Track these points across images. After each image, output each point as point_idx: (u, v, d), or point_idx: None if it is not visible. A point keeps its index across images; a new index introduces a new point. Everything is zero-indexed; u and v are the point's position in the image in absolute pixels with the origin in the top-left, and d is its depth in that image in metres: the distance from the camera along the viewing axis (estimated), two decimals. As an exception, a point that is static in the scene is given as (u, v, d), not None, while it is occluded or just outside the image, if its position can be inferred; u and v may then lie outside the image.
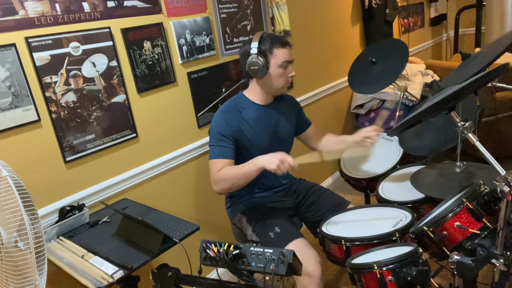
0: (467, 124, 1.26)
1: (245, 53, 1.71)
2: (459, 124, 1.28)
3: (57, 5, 1.56)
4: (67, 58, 1.61)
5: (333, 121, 3.37)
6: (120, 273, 1.26)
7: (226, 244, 1.24)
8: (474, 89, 1.37)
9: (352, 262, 1.32)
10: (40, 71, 1.53)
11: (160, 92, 1.97)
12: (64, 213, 1.60)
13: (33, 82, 1.52)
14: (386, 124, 3.31)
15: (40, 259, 1.06)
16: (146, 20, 1.87)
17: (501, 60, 1.58)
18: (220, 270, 1.31)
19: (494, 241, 1.17)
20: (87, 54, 1.67)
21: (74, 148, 1.66)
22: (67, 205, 1.63)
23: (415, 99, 3.06)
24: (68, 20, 1.60)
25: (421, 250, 1.24)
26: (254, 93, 1.80)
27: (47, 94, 1.56)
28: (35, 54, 1.51)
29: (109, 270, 1.26)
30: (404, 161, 2.07)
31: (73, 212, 1.62)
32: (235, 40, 2.32)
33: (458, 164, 1.61)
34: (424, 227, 1.32)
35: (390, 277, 1.19)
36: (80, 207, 1.65)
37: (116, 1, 1.75)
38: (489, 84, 2.00)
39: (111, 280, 1.23)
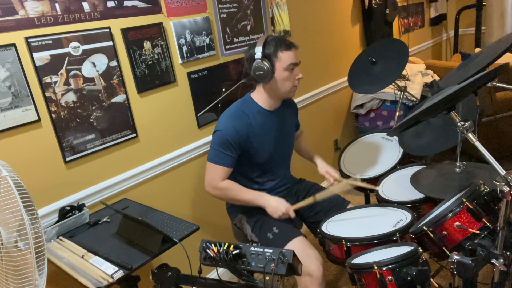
0: (467, 124, 1.26)
1: (250, 58, 1.69)
2: (459, 124, 1.27)
3: (57, 5, 1.56)
4: (67, 58, 1.61)
5: (333, 121, 3.37)
6: (120, 273, 1.26)
7: (226, 244, 1.24)
8: (474, 89, 1.37)
9: (352, 262, 1.32)
10: (40, 71, 1.53)
11: (160, 92, 1.97)
12: (64, 213, 1.60)
13: (33, 82, 1.52)
14: (386, 124, 3.32)
15: (40, 259, 1.06)
16: (146, 20, 1.87)
17: (501, 60, 1.58)
18: (220, 270, 1.31)
19: (494, 241, 1.17)
20: (87, 54, 1.67)
21: (74, 148, 1.66)
22: (67, 205, 1.63)
23: (415, 99, 3.06)
24: (68, 20, 1.60)
25: (421, 250, 1.24)
26: (262, 97, 1.78)
27: (47, 94, 1.56)
28: (35, 54, 1.51)
29: (109, 270, 1.26)
30: (404, 161, 2.07)
31: (73, 212, 1.62)
32: (235, 40, 2.32)
33: (458, 164, 1.61)
34: (424, 227, 1.32)
35: (390, 277, 1.19)
36: (80, 207, 1.65)
37: (116, 1, 1.75)
38: (489, 84, 2.00)
39: (111, 280, 1.23)
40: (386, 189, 1.85)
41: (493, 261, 1.15)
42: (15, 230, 1.06)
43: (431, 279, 1.20)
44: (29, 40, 1.49)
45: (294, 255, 1.17)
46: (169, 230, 1.48)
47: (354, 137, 2.44)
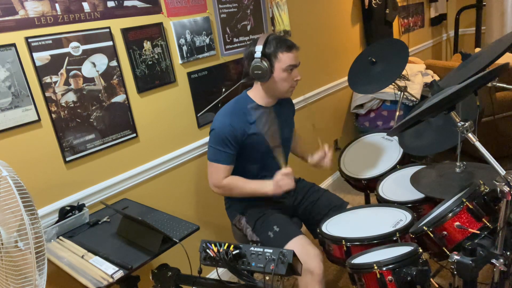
0: (467, 124, 1.26)
1: (250, 55, 1.70)
2: (459, 124, 1.28)
3: (57, 5, 1.56)
4: (67, 58, 1.61)
5: (333, 121, 3.37)
6: (120, 273, 1.26)
7: (226, 244, 1.24)
8: (474, 89, 1.37)
9: (352, 262, 1.32)
10: (40, 71, 1.53)
11: (160, 92, 1.97)
12: (64, 213, 1.60)
13: (33, 82, 1.52)
14: (386, 124, 3.32)
15: (40, 259, 1.06)
16: (146, 20, 1.87)
17: (501, 60, 1.58)
18: (220, 270, 1.32)
19: (494, 241, 1.17)
20: (87, 54, 1.67)
21: (74, 148, 1.66)
22: (67, 205, 1.63)
23: (415, 99, 3.06)
24: (68, 20, 1.60)
25: (421, 250, 1.24)
26: (258, 95, 1.79)
27: (47, 94, 1.56)
28: (35, 54, 1.51)
29: (109, 270, 1.26)
30: (404, 161, 2.07)
31: (73, 212, 1.62)
32: (235, 40, 2.32)
33: (458, 164, 1.61)
34: (424, 227, 1.32)
35: (390, 277, 1.19)
36: (80, 207, 1.65)
37: (116, 1, 1.75)
38: (489, 84, 2.00)
39: (111, 280, 1.23)
40: (386, 189, 1.85)
41: (493, 261, 1.15)
42: (15, 230, 1.06)
43: (431, 279, 1.20)
44: (29, 40, 1.49)
45: (294, 255, 1.17)
46: (169, 230, 1.48)
47: (354, 137, 2.44)
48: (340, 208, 1.82)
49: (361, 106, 3.42)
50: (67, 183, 1.66)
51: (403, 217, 1.54)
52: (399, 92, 2.61)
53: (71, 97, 1.63)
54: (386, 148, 2.19)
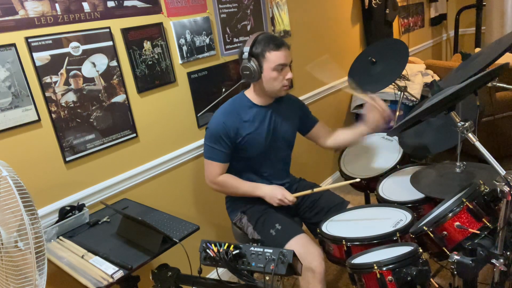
0: (467, 124, 1.26)
1: (240, 56, 1.70)
2: (459, 124, 1.27)
3: (57, 5, 1.56)
4: (67, 58, 1.61)
5: (333, 121, 3.37)
6: (120, 273, 1.26)
7: (226, 244, 1.24)
8: (474, 89, 1.37)
9: (352, 262, 1.32)
10: (40, 71, 1.53)
11: (160, 92, 1.97)
12: (64, 213, 1.60)
13: (33, 82, 1.52)
14: (386, 124, 3.32)
15: (40, 259, 1.06)
16: (146, 20, 1.87)
17: (501, 60, 1.58)
18: (220, 270, 1.32)
19: (494, 241, 1.17)
20: (87, 54, 1.67)
21: (74, 148, 1.66)
22: (67, 205, 1.63)
23: (415, 99, 3.06)
24: (68, 20, 1.60)
25: (421, 250, 1.24)
26: (254, 93, 1.80)
27: (47, 94, 1.56)
28: (35, 54, 1.51)
29: (109, 270, 1.26)
30: (404, 161, 2.07)
31: (73, 212, 1.62)
32: (235, 40, 2.32)
33: (458, 164, 1.61)
34: (424, 227, 1.32)
35: (390, 277, 1.19)
36: (80, 207, 1.65)
37: (116, 1, 1.75)
38: (489, 84, 2.00)
39: (111, 280, 1.23)
40: (386, 189, 1.85)
41: (493, 261, 1.15)
42: (15, 230, 1.06)
43: (431, 279, 1.20)
44: (29, 40, 1.49)
45: (294, 255, 1.17)
46: (169, 230, 1.48)
47: (354, 137, 2.43)
48: (341, 207, 1.82)
49: (361, 106, 3.42)
50: (67, 183, 1.66)
51: (403, 217, 1.54)
52: (399, 92, 2.61)
53: (71, 97, 1.63)
54: (386, 148, 2.19)
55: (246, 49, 1.65)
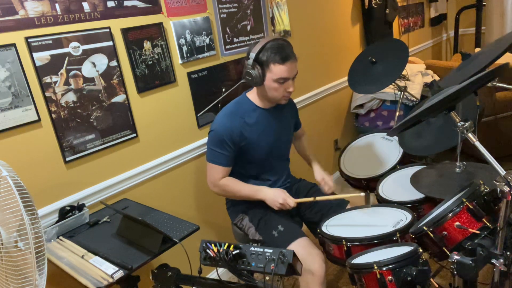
0: (467, 124, 1.26)
1: (247, 58, 1.68)
2: (459, 124, 1.28)
3: (57, 5, 1.56)
4: (67, 58, 1.61)
5: (333, 121, 3.37)
6: (120, 273, 1.26)
7: (226, 244, 1.24)
8: (474, 89, 1.37)
9: (352, 262, 1.32)
10: (40, 71, 1.53)
11: (160, 92, 1.97)
12: (64, 213, 1.60)
13: (33, 82, 1.52)
14: (386, 124, 3.32)
15: (40, 259, 1.06)
16: (146, 20, 1.87)
17: (501, 60, 1.58)
18: (220, 270, 1.32)
19: (494, 241, 1.17)
20: (87, 54, 1.67)
21: (74, 148, 1.66)
22: (67, 205, 1.63)
23: (415, 99, 3.06)
24: (68, 20, 1.60)
25: (421, 250, 1.24)
26: (256, 96, 1.79)
27: (47, 94, 1.56)
28: (35, 54, 1.51)
29: (109, 270, 1.26)
30: (404, 161, 2.07)
31: (73, 212, 1.62)
32: (235, 40, 2.32)
33: (458, 164, 1.61)
34: (424, 227, 1.32)
35: (390, 277, 1.19)
36: (80, 207, 1.65)
37: (116, 1, 1.75)
38: (489, 84, 2.00)
39: (111, 280, 1.23)
40: (386, 189, 1.85)
41: (493, 261, 1.15)
42: (15, 230, 1.06)
43: (431, 279, 1.20)
44: (29, 40, 1.49)
45: (294, 255, 1.17)
46: (169, 230, 1.48)
47: (354, 137, 2.44)
48: (341, 207, 1.82)
49: (361, 106, 3.42)
50: (67, 183, 1.66)
51: (403, 217, 1.54)
52: (399, 92, 2.61)
53: (71, 97, 1.63)
54: (386, 148, 2.19)
55: (252, 54, 1.63)
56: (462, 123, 1.27)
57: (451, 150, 1.73)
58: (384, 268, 1.20)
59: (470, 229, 1.24)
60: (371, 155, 2.20)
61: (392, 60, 2.29)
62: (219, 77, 2.24)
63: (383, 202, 1.76)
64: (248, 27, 2.40)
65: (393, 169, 2.01)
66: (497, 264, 1.14)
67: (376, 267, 1.20)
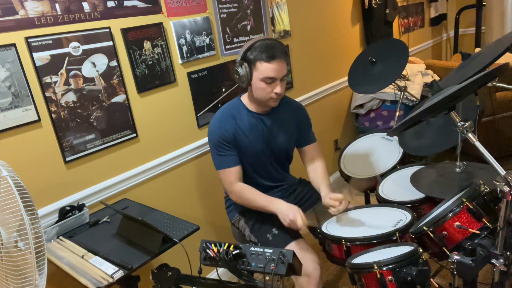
0: (467, 124, 1.26)
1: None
2: (459, 124, 1.27)
3: (57, 5, 1.56)
4: (67, 58, 1.61)
5: (333, 121, 3.37)
6: (120, 273, 1.26)
7: (226, 244, 1.24)
8: (474, 89, 1.37)
9: (352, 262, 1.32)
10: (40, 71, 1.53)
11: (160, 92, 1.97)
12: (64, 213, 1.60)
13: (33, 82, 1.52)
14: (386, 124, 3.32)
15: (40, 259, 1.06)
16: (146, 20, 1.87)
17: (501, 60, 1.58)
18: (220, 270, 1.31)
19: (494, 241, 1.17)
20: (87, 54, 1.67)
21: (74, 148, 1.66)
22: (67, 205, 1.63)
23: (415, 99, 3.06)
24: (68, 20, 1.60)
25: (421, 250, 1.24)
26: (249, 100, 1.76)
27: (47, 94, 1.56)
28: (35, 54, 1.51)
29: (109, 270, 1.26)
30: (404, 161, 2.07)
31: (73, 212, 1.62)
32: (235, 40, 2.32)
33: (458, 164, 1.61)
34: (424, 227, 1.32)
35: (390, 277, 1.19)
36: (80, 207, 1.65)
37: (116, 1, 1.75)
38: (489, 84, 2.00)
39: (111, 280, 1.23)
40: (386, 189, 1.85)
41: (493, 261, 1.15)
42: (15, 230, 1.06)
43: (431, 279, 1.20)
44: (29, 40, 1.49)
45: (294, 255, 1.17)
46: (169, 230, 1.48)
47: (354, 137, 2.44)
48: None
49: (361, 106, 3.42)
50: (67, 183, 1.66)
51: (403, 217, 1.54)
52: (399, 92, 2.61)
53: (71, 97, 1.63)
54: (386, 148, 2.19)
55: (240, 52, 1.62)
56: (462, 123, 1.27)
57: (451, 150, 1.73)
58: (384, 268, 1.20)
59: (470, 229, 1.24)
60: (371, 155, 2.20)
61: (392, 60, 2.28)
62: (219, 77, 2.24)
63: (383, 202, 1.76)
64: (248, 27, 2.40)
65: (393, 169, 2.01)
66: (497, 264, 1.14)
67: (376, 267, 1.20)
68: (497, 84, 1.96)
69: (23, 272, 1.07)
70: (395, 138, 2.19)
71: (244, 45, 1.65)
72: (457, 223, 1.26)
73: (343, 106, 3.49)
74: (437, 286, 1.21)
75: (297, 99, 2.82)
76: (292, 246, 1.62)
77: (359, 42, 3.63)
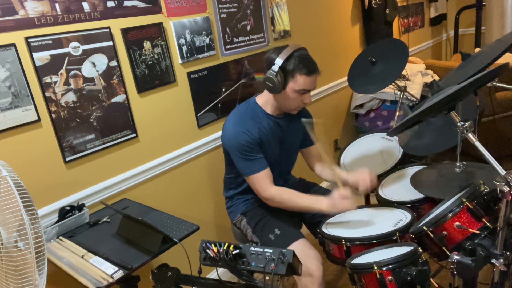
0: (467, 124, 1.26)
1: (269, 63, 1.62)
2: (459, 124, 1.27)
3: (57, 5, 1.56)
4: (67, 58, 1.61)
5: (333, 121, 3.37)
6: (120, 273, 1.26)
7: (226, 244, 1.24)
8: (474, 89, 1.36)
9: (352, 262, 1.32)
10: (40, 71, 1.53)
11: (160, 92, 1.97)
12: (64, 213, 1.60)
13: (33, 82, 1.52)
14: (386, 124, 3.32)
15: (40, 259, 1.06)
16: (146, 20, 1.87)
17: (501, 60, 1.58)
18: (220, 270, 1.31)
19: (494, 241, 1.17)
20: (87, 54, 1.67)
21: (74, 148, 1.66)
22: (67, 205, 1.63)
23: (415, 99, 3.06)
24: (68, 20, 1.60)
25: (421, 250, 1.24)
26: (267, 103, 1.75)
27: (47, 94, 1.56)
28: (35, 54, 1.51)
29: (109, 270, 1.26)
30: (404, 161, 2.07)
31: (73, 212, 1.62)
32: (235, 40, 2.32)
33: (458, 164, 1.61)
34: (424, 227, 1.32)
35: (390, 277, 1.19)
36: (80, 207, 1.65)
37: (116, 1, 1.75)
38: (489, 84, 2.00)
39: (111, 280, 1.23)
40: (386, 189, 1.85)
41: (493, 261, 1.15)
42: (15, 230, 1.06)
43: (431, 279, 1.20)
44: (29, 40, 1.49)
45: (294, 255, 1.17)
46: (169, 230, 1.48)
47: (354, 137, 2.44)
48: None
49: (361, 106, 3.42)
50: (67, 183, 1.66)
51: (403, 217, 1.54)
52: (399, 92, 2.61)
53: (71, 97, 1.63)
54: (386, 148, 2.19)
55: (279, 61, 1.58)
56: (462, 123, 1.27)
57: (451, 150, 1.73)
58: (384, 268, 1.20)
59: (470, 229, 1.24)
60: (371, 155, 2.20)
61: (392, 60, 2.28)
62: (219, 77, 2.24)
63: (383, 202, 1.76)
64: (248, 27, 2.40)
65: (393, 169, 2.01)
66: (497, 264, 1.14)
67: (376, 267, 1.20)
68: (497, 84, 1.96)
69: (23, 272, 1.07)
70: (395, 138, 2.19)
71: (279, 51, 1.60)
72: (457, 223, 1.26)
73: (343, 106, 3.49)
74: (437, 286, 1.21)
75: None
76: (294, 246, 1.62)
77: (359, 42, 3.63)
